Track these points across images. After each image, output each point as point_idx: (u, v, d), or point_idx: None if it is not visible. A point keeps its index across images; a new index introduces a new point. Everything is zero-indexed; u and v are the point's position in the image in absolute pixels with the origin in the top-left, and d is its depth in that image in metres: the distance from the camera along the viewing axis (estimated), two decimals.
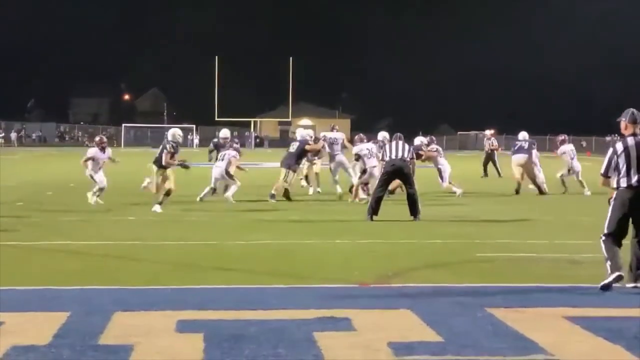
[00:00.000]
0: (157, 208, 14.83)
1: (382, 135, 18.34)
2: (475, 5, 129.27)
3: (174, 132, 15.94)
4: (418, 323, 6.19)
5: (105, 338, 5.65)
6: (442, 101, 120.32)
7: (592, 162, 29.76)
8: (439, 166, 19.59)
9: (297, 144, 18.41)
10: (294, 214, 14.78)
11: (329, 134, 19.76)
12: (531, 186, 20.58)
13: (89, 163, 16.46)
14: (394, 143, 14.39)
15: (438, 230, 12.51)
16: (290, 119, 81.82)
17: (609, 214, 7.73)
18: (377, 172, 15.89)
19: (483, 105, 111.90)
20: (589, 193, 19.59)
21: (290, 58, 75.53)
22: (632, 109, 7.85)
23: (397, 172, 14.17)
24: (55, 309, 6.57)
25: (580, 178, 20.40)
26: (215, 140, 19.96)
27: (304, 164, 19.50)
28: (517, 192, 20.28)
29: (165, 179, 15.19)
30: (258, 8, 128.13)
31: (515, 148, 21.17)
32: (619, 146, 7.73)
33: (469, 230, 12.65)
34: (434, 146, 20.15)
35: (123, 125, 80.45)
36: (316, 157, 19.65)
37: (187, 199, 16.77)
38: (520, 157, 20.65)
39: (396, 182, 15.50)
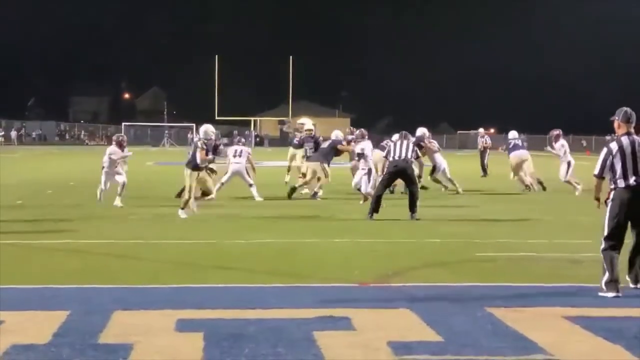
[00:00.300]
0: (181, 213, 13.90)
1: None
2: (475, 5, 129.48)
3: (206, 129, 14.77)
4: (418, 322, 6.19)
5: (105, 337, 5.65)
6: (442, 101, 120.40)
7: (590, 161, 29.68)
8: (435, 163, 19.98)
9: (329, 142, 18.26)
10: (294, 213, 14.79)
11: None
12: (516, 178, 20.90)
13: (106, 161, 16.02)
14: (398, 142, 14.37)
15: (438, 230, 12.50)
16: (290, 118, 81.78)
17: (607, 215, 7.64)
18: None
19: (483, 105, 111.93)
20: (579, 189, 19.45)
21: (290, 57, 75.59)
22: (625, 108, 7.71)
23: (400, 173, 14.19)
24: (55, 308, 6.57)
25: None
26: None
27: (302, 162, 19.46)
28: (528, 188, 20.42)
29: (202, 182, 14.48)
30: (258, 8, 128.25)
31: (511, 146, 21.22)
32: (614, 146, 7.61)
33: (468, 229, 12.64)
34: (433, 141, 20.60)
35: (123, 124, 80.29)
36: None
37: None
38: (523, 153, 20.85)
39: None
